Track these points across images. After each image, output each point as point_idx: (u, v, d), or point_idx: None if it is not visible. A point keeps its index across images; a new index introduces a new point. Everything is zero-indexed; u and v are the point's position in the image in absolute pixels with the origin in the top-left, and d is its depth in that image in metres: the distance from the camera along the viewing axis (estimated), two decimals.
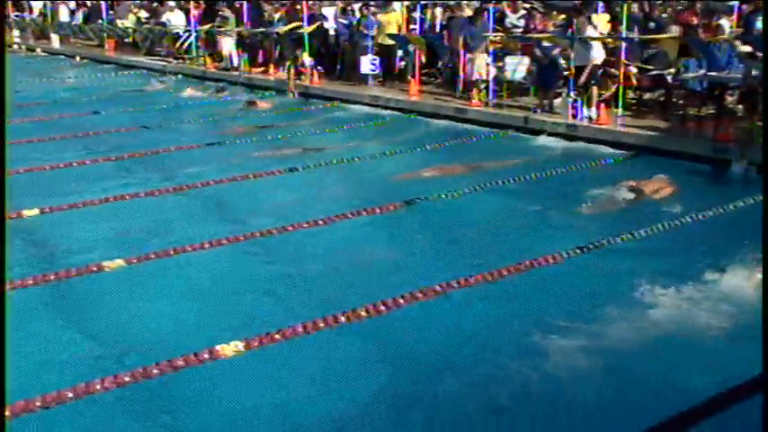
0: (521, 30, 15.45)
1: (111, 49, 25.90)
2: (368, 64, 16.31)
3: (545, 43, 13.45)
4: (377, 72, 16.65)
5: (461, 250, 7.59)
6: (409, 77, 15.95)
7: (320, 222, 8.13)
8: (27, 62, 25.96)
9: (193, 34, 22.48)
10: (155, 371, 5.09)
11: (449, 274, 6.59)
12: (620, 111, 12.56)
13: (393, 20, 16.75)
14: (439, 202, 8.90)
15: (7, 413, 4.57)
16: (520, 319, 6.00)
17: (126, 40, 26.10)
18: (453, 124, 13.92)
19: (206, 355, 5.25)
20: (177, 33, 23.20)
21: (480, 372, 5.28)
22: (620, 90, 12.63)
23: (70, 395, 4.80)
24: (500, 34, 14.81)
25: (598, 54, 12.57)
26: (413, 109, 14.86)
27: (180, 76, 20.90)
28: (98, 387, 4.90)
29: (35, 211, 8.59)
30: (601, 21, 13.50)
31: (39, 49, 29.25)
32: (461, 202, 9.01)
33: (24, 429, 4.57)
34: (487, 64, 14.32)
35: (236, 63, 19.93)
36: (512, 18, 16.38)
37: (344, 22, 17.90)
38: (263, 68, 19.40)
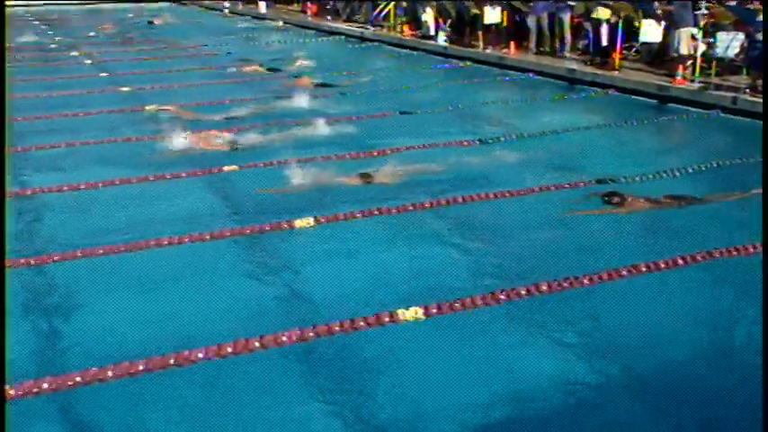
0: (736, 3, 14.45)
1: (313, 14, 26.70)
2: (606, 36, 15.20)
3: (761, 18, 12.48)
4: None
5: (653, 234, 7.25)
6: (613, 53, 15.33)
7: (507, 194, 8.03)
8: (236, 26, 27.27)
9: (393, 1, 22.73)
10: (337, 329, 5.22)
11: (638, 255, 6.31)
12: None
13: None
14: (633, 183, 8.50)
15: (200, 355, 4.86)
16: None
17: (327, 6, 26.84)
18: (655, 102, 13.26)
19: (386, 319, 5.33)
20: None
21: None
22: None
23: (257, 344, 5.02)
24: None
25: None
26: (612, 84, 14.28)
27: (377, 43, 21.25)
28: (284, 339, 5.09)
29: (234, 167, 9.04)
30: None
31: (226, 10, 31.07)
32: (656, 184, 8.57)
33: (215, 373, 4.84)
34: (695, 39, 13.51)
35: (433, 32, 19.96)
36: None
37: None
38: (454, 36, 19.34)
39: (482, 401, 4.61)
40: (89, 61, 18.57)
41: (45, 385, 4.62)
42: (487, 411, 4.54)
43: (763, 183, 7.61)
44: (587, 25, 16.10)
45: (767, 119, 8.99)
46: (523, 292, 5.71)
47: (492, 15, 17.72)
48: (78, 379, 4.67)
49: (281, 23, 27.17)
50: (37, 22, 27.93)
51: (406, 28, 21.37)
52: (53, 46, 21.52)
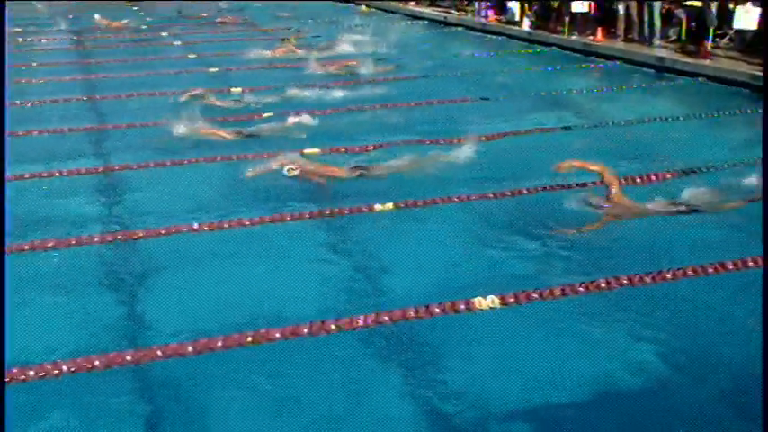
0: None
1: None
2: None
3: None
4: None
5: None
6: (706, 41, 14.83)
7: (589, 184, 7.83)
8: (321, 10, 27.40)
9: None
10: (412, 314, 5.22)
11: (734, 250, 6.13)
12: None
13: None
14: (718, 172, 8.23)
15: (277, 335, 4.93)
16: None
17: None
18: (747, 92, 12.79)
19: (462, 306, 5.30)
20: None
21: None
22: None
23: (332, 326, 5.07)
24: None
25: None
26: (702, 73, 13.83)
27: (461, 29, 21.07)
28: (360, 323, 5.12)
29: (315, 150, 9.11)
30: None
31: None
32: (741, 175, 8.26)
33: (290, 352, 4.91)
34: None
35: (518, 17, 19.69)
36: None
37: None
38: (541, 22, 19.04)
39: (556, 392, 4.56)
40: (178, 42, 18.96)
41: (128, 357, 4.76)
42: (561, 401, 4.49)
43: (764, 182, 7.31)
44: (679, 12, 15.65)
45: (766, 115, 8.52)
46: (603, 285, 5.60)
47: (578, 6, 17.40)
48: (159, 353, 4.80)
49: (364, 8, 27.22)
50: (129, 4, 28.60)
51: (490, 13, 21.14)
52: (144, 27, 22.04)
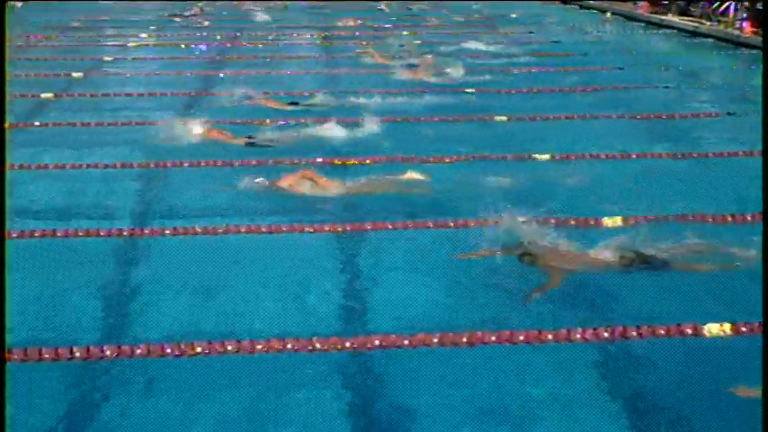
0: None
1: (645, 7, 25.61)
2: None
3: None
4: None
5: None
6: None
7: None
8: (563, 15, 26.96)
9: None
10: (633, 333, 5.05)
11: None
12: None
13: None
14: None
15: (493, 338, 4.95)
16: None
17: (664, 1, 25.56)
18: None
19: (688, 330, 5.05)
20: None
21: None
22: None
23: (549, 336, 5.02)
24: None
25: None
26: None
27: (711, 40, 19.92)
28: (577, 336, 5.05)
29: (546, 156, 9.03)
30: None
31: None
32: None
33: (501, 358, 4.89)
34: None
35: None
36: None
37: None
38: None
39: None
40: (418, 41, 19.26)
41: (347, 344, 4.97)
42: None
43: (763, 183, 6.29)
44: None
45: (766, 115, 7.18)
46: None
47: None
48: (377, 342, 4.98)
49: (608, 15, 26.42)
50: (381, 7, 29.02)
51: (746, 25, 19.78)
52: (387, 26, 22.71)
